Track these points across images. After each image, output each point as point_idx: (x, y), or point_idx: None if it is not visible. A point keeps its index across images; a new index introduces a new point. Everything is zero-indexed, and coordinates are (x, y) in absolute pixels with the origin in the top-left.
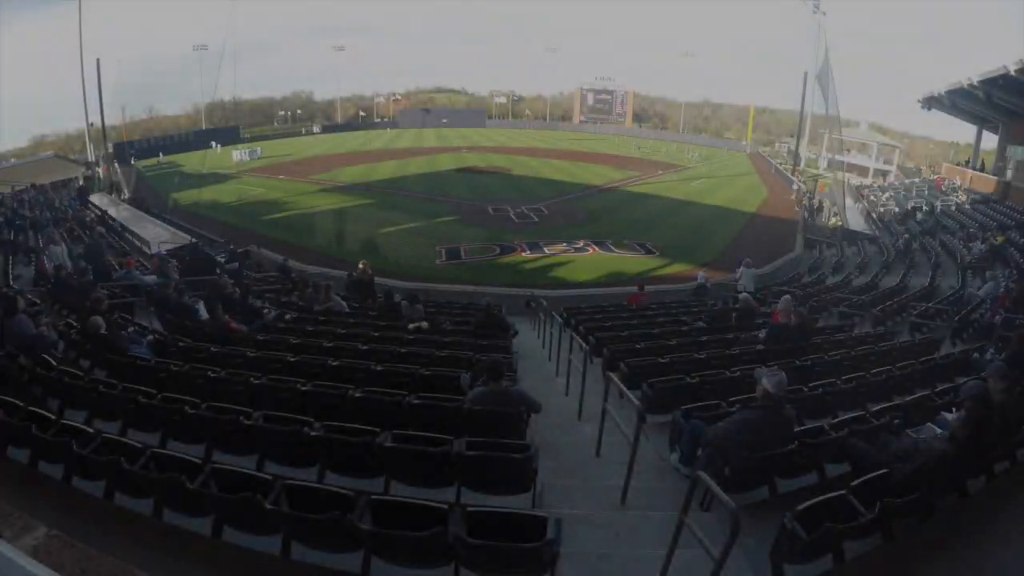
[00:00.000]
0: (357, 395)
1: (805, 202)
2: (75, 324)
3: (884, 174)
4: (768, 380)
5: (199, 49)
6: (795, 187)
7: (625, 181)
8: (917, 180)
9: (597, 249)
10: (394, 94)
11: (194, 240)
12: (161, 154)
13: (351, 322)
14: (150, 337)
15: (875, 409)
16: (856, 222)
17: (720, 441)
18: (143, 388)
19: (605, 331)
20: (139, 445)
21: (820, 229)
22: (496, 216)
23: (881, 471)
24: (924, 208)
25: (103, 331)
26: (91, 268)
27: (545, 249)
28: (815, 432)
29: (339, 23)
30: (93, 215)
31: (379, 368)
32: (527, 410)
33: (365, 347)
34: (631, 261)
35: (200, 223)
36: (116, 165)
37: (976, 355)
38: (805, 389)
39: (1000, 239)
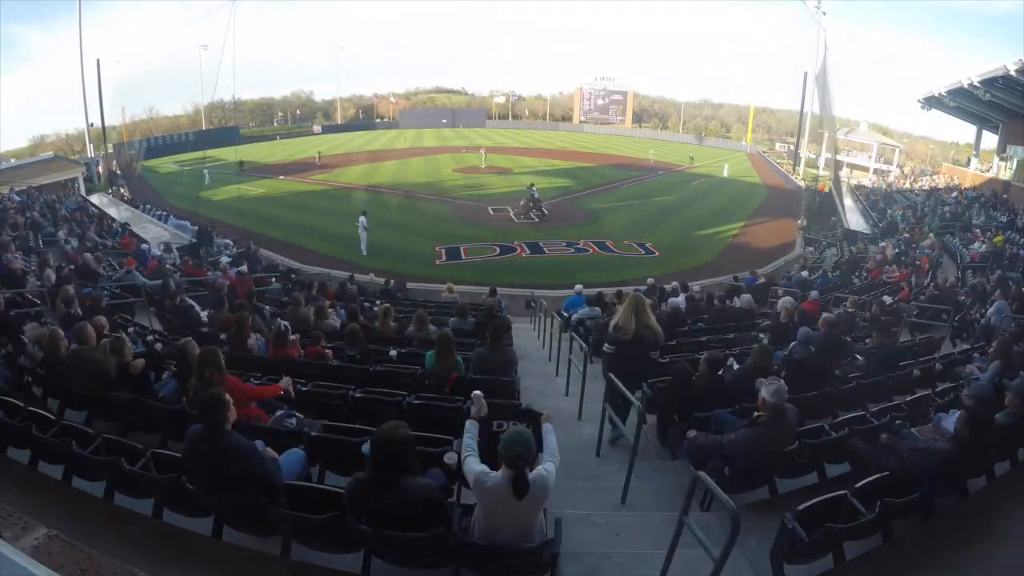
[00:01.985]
0: (357, 395)
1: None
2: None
3: (884, 174)
4: (767, 390)
5: (200, 48)
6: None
7: (625, 181)
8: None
9: (597, 249)
10: (393, 94)
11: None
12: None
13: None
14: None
15: (875, 409)
16: (856, 222)
17: (732, 453)
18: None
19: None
20: (139, 446)
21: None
22: (496, 216)
23: (882, 471)
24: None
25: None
26: None
27: (545, 249)
28: (815, 432)
29: (339, 23)
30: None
31: (379, 368)
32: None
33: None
34: (631, 261)
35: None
36: (117, 167)
37: (977, 355)
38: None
39: (998, 239)
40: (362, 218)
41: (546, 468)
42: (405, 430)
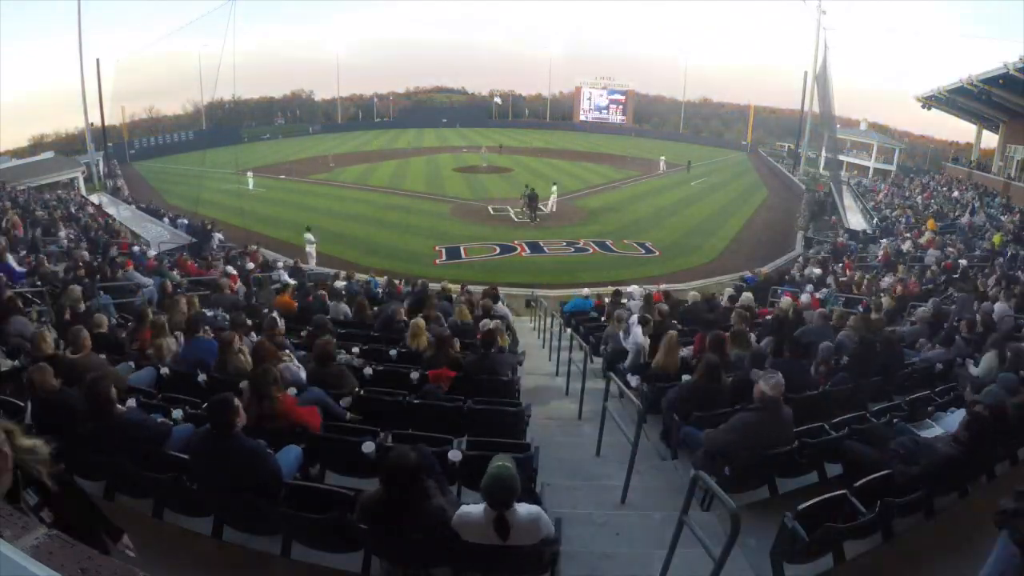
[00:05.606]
0: (360, 393)
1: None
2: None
3: (885, 173)
4: (765, 382)
5: (200, 48)
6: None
7: (625, 181)
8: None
9: (597, 249)
10: (393, 94)
11: None
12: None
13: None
14: None
15: (875, 409)
16: (856, 222)
17: (721, 446)
18: (143, 388)
19: (605, 331)
20: None
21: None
22: (496, 216)
23: (882, 471)
24: None
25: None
26: None
27: (545, 249)
28: (815, 432)
29: (340, 23)
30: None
31: (379, 368)
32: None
33: (365, 347)
34: (631, 261)
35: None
36: (117, 165)
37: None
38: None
39: (997, 238)
40: (307, 234)
41: (532, 510)
42: (413, 457)
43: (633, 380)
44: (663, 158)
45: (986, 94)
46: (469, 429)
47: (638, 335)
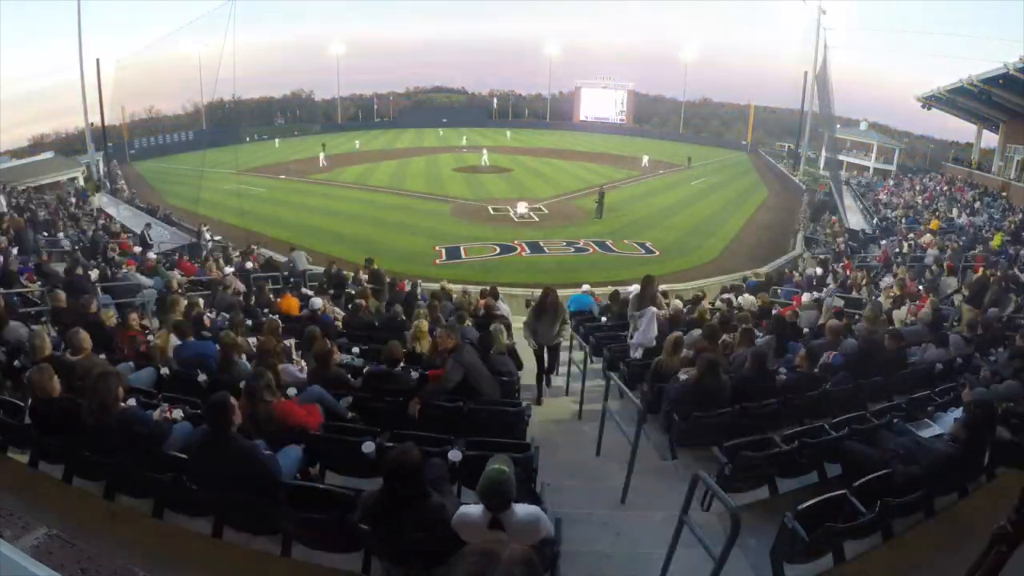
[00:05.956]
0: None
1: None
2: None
3: (885, 173)
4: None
5: (200, 48)
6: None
7: (625, 180)
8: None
9: (597, 249)
10: (393, 93)
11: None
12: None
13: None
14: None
15: (875, 409)
16: (856, 221)
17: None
18: (143, 389)
19: (605, 331)
20: None
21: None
22: (496, 216)
23: (881, 471)
24: None
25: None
26: None
27: (545, 249)
28: (815, 432)
29: (340, 22)
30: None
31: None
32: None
33: (365, 347)
34: (631, 261)
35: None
36: (116, 165)
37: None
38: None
39: (997, 239)
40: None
41: (531, 511)
42: (416, 453)
43: None
44: (646, 156)
45: (986, 94)
46: (469, 429)
47: (651, 330)
